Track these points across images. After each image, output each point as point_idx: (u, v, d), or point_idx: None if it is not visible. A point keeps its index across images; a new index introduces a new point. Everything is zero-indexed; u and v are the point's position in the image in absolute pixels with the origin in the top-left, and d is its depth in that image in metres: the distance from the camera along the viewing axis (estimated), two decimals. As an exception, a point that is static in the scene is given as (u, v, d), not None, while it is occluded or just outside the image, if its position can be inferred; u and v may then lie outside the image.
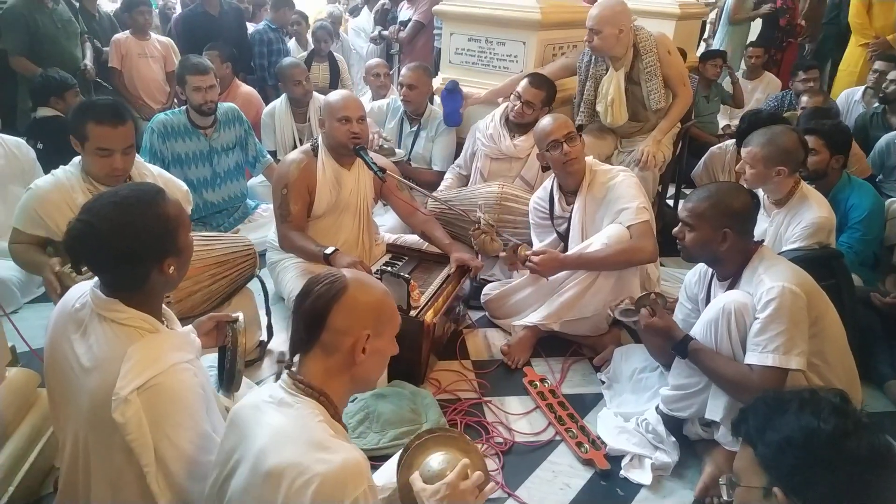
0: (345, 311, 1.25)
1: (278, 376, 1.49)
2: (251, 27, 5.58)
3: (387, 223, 3.34)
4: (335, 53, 5.44)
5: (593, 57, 3.29)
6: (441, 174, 3.62)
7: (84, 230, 1.33)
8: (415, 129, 3.75)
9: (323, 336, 1.25)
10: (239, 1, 5.59)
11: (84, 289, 1.45)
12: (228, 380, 1.66)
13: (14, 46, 4.10)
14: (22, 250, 2.31)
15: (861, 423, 1.08)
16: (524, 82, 3.20)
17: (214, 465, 1.28)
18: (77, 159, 2.34)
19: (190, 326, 1.59)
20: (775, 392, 1.22)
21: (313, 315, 1.26)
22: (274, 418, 1.20)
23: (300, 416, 1.19)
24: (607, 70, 3.25)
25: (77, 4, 4.73)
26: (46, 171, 2.48)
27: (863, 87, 4.69)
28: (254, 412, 1.23)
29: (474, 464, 1.42)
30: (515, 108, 3.19)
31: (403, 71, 3.70)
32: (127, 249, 1.33)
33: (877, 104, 4.38)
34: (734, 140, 3.59)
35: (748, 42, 5.96)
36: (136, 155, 2.41)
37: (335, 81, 5.21)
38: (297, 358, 1.31)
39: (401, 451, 1.52)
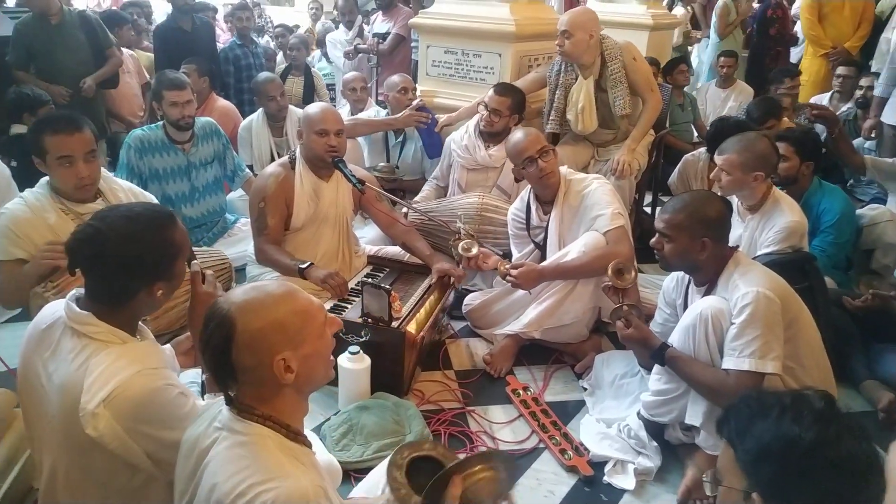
0: (245, 349, 1.12)
1: None
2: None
3: (367, 235, 3.33)
4: (312, 68, 5.44)
5: (563, 66, 3.36)
6: None
7: (92, 234, 1.37)
8: (400, 139, 3.77)
9: (238, 377, 1.15)
10: (204, 14, 5.56)
11: (57, 307, 1.44)
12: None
13: (15, 62, 4.15)
14: (7, 279, 2.15)
15: (844, 430, 1.05)
16: (490, 92, 3.27)
17: (177, 494, 1.24)
18: (44, 180, 2.28)
19: (168, 346, 1.59)
20: (759, 393, 1.20)
21: (217, 365, 1.15)
22: (223, 444, 1.13)
23: (248, 444, 1.12)
24: (577, 79, 3.32)
25: (95, 19, 4.63)
26: (22, 190, 2.44)
27: (829, 93, 4.81)
28: (204, 440, 1.17)
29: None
30: (484, 116, 3.24)
31: (396, 79, 3.71)
32: (127, 262, 1.36)
33: (847, 109, 4.48)
34: (706, 148, 3.64)
35: (719, 52, 6.05)
36: (104, 170, 2.34)
37: (310, 95, 5.21)
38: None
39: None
